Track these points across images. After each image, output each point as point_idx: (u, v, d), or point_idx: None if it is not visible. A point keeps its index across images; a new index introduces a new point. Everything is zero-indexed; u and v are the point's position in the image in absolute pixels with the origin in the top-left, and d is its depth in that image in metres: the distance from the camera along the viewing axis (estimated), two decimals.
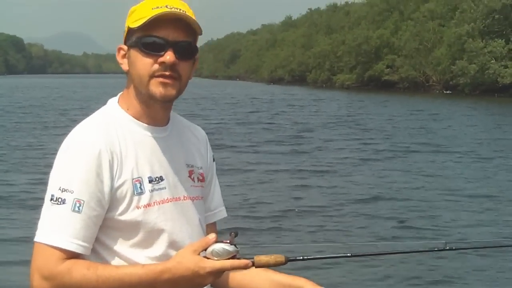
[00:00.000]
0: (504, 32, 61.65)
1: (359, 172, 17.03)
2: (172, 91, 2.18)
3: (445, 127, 29.32)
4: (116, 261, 2.15)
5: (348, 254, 2.35)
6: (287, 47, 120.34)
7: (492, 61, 59.21)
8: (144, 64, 2.17)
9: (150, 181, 2.19)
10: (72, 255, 2.06)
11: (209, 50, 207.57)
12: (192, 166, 2.34)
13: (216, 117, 34.50)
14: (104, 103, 2.31)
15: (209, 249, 2.09)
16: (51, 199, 2.07)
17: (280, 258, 2.18)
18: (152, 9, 2.15)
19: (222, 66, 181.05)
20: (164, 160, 2.25)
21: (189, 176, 2.32)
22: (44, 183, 2.16)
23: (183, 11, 2.16)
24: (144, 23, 2.14)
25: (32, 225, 2.22)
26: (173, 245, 2.21)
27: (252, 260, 2.14)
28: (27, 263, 2.13)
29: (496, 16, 62.11)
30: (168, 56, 2.14)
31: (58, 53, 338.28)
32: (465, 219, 11.66)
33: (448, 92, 65.42)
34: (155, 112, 2.24)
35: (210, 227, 2.47)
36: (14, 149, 20.61)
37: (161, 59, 2.15)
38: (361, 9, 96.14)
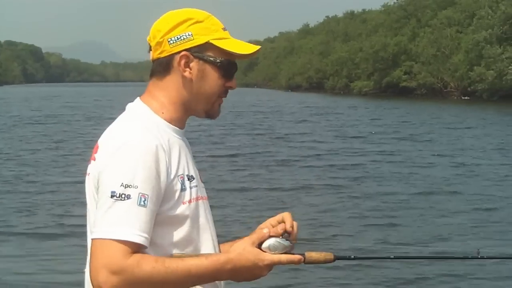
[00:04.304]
0: None
1: (405, 176, 17.63)
2: None
3: (483, 136, 28.09)
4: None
5: (391, 256, 2.52)
6: (304, 54, 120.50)
7: (510, 67, 59.41)
8: (218, 84, 2.27)
9: (188, 179, 2.26)
10: (137, 249, 2.07)
11: None
12: (197, 169, 2.42)
13: (247, 129, 32.34)
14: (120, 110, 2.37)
15: (265, 244, 2.18)
16: (112, 196, 2.08)
17: (329, 256, 2.25)
18: (223, 29, 2.27)
19: (239, 73, 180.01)
20: (190, 161, 2.33)
21: (200, 178, 2.40)
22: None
23: None
24: (250, 54, 2.29)
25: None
26: (210, 240, 2.30)
27: (303, 255, 2.23)
28: None
29: None
30: (235, 82, 2.30)
31: (77, 62, 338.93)
32: (500, 229, 11.75)
33: (466, 98, 65.72)
34: (185, 119, 2.36)
35: None
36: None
37: (229, 84, 2.29)
38: (378, 16, 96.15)
